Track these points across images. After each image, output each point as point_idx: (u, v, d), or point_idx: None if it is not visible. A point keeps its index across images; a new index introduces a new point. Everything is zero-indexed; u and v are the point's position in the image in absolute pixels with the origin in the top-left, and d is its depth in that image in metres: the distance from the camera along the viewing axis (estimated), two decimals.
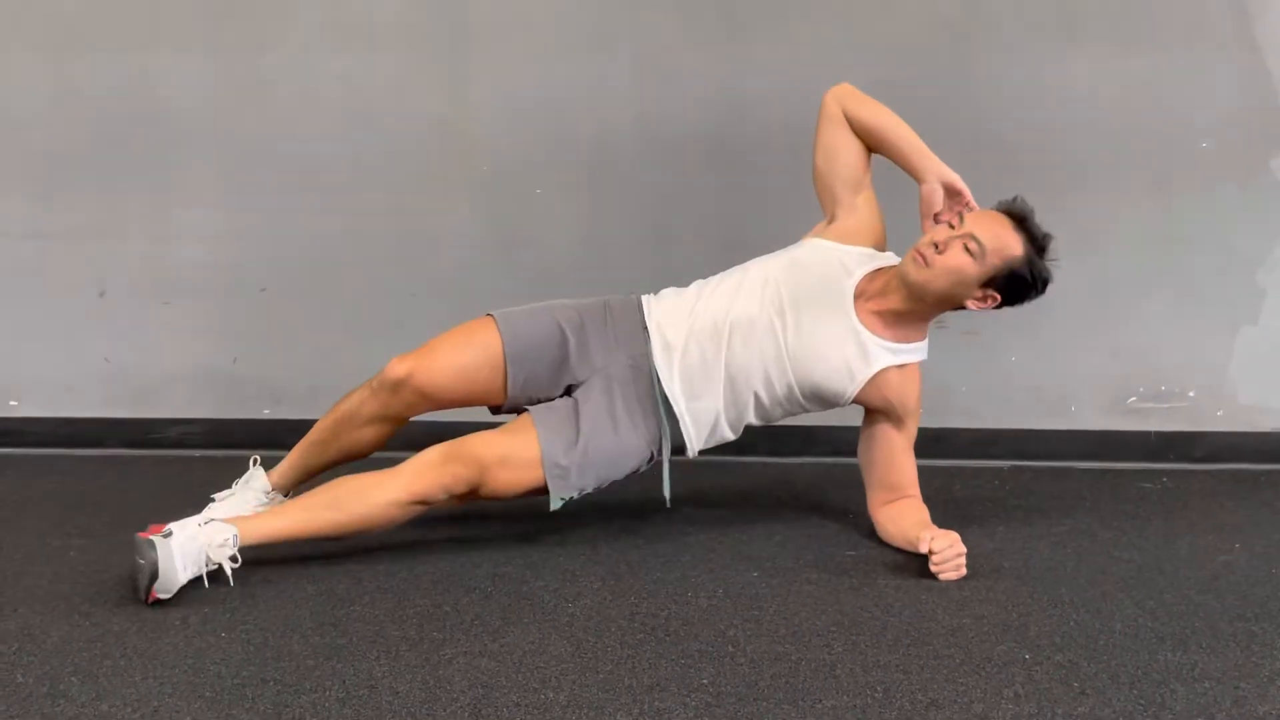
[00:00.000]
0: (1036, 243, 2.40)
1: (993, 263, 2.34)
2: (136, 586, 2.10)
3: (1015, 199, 2.43)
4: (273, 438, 2.97)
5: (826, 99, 2.55)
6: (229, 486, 2.53)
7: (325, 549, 2.42)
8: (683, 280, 2.59)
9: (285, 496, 2.53)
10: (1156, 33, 3.18)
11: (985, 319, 3.22)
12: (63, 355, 3.40)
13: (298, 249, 3.34)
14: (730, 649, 1.93)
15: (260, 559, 2.36)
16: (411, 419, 2.50)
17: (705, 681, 1.81)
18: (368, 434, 2.46)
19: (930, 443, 2.78)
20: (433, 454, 2.32)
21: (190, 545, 2.13)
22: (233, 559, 2.17)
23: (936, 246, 2.34)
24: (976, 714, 1.71)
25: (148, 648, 1.92)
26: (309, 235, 3.34)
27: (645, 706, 1.73)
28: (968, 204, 2.43)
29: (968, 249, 2.33)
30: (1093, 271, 3.25)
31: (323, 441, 2.48)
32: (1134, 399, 3.30)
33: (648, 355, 2.44)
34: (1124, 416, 3.29)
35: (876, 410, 2.50)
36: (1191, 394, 3.29)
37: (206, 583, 2.15)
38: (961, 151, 3.22)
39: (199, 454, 3.29)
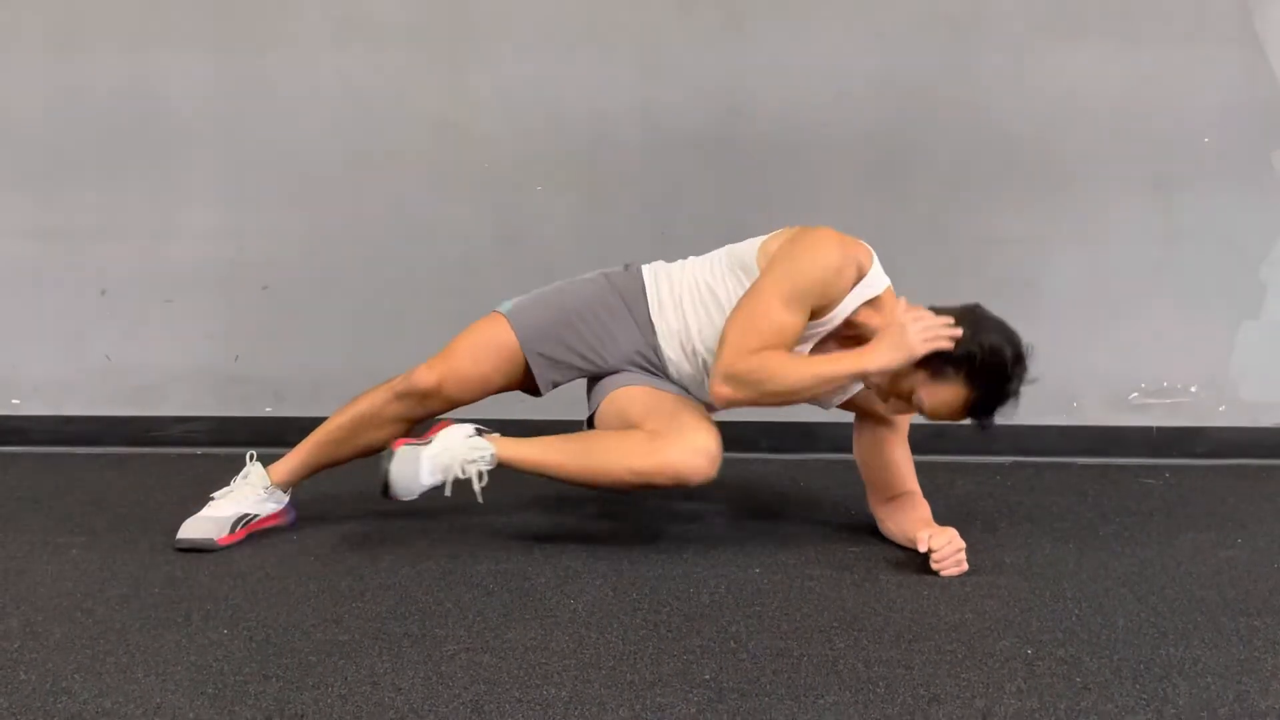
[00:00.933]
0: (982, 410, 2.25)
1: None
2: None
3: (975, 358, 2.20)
4: (275, 435, 2.97)
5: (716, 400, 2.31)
6: (229, 484, 2.52)
7: (325, 544, 2.43)
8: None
9: (286, 493, 2.53)
10: (1158, 28, 3.18)
11: None
12: (64, 354, 3.40)
13: (299, 246, 3.34)
14: (732, 645, 1.93)
15: (260, 559, 2.37)
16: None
17: (707, 677, 1.81)
18: (385, 433, 2.47)
19: (932, 438, 2.78)
20: (682, 440, 2.27)
21: (442, 456, 2.27)
22: (480, 476, 2.28)
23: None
24: (979, 709, 1.71)
25: (150, 645, 1.93)
26: (310, 232, 3.34)
27: (647, 702, 1.73)
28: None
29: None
30: (1094, 267, 3.25)
31: (337, 441, 2.49)
32: (1136, 394, 3.30)
33: (658, 347, 2.47)
34: (1126, 412, 3.29)
35: (865, 413, 2.50)
36: (1193, 389, 3.29)
37: (449, 491, 2.29)
38: (963, 146, 3.25)
39: (201, 452, 3.29)
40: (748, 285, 2.36)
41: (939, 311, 2.25)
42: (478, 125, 3.31)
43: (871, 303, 2.32)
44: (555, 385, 2.51)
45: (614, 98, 3.27)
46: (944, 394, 2.22)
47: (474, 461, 2.29)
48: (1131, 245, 3.25)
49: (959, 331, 2.20)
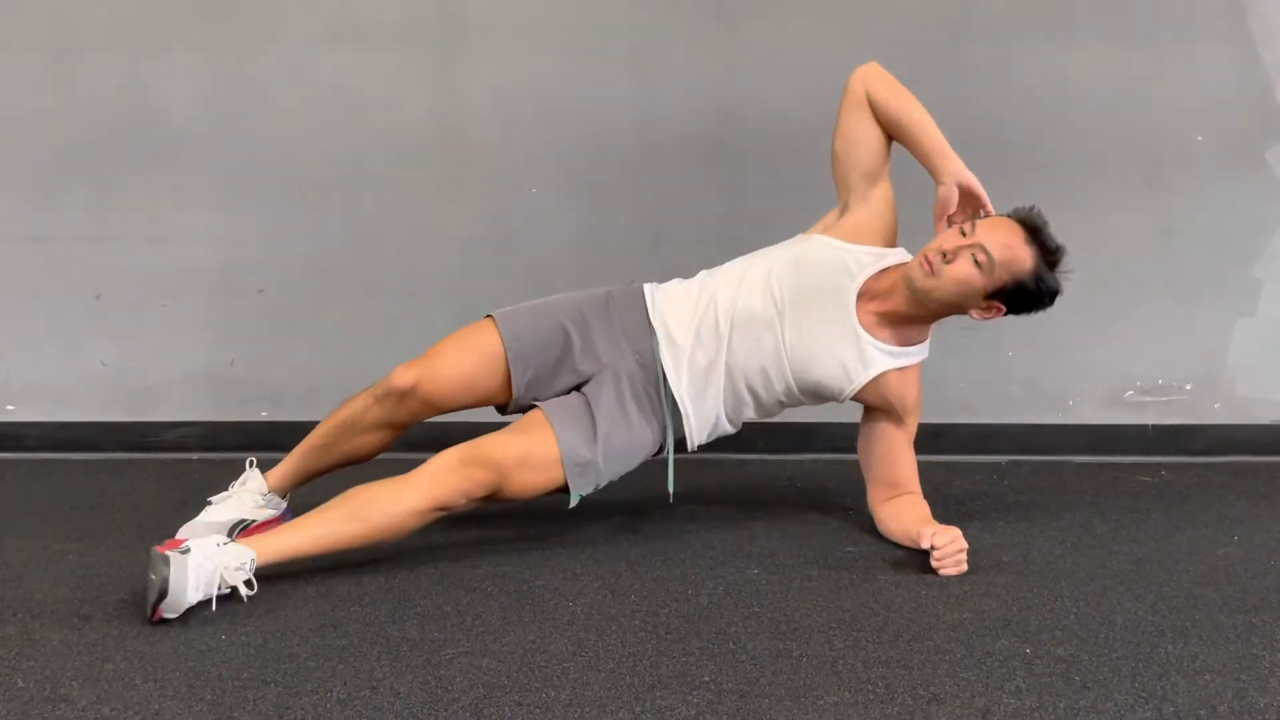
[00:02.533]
0: (1048, 256, 2.36)
1: (1000, 276, 2.32)
2: (145, 601, 2.03)
3: (1032, 208, 2.39)
4: (271, 440, 2.97)
5: (852, 80, 2.48)
6: (227, 490, 2.52)
7: None
8: (682, 277, 2.58)
9: (283, 498, 2.52)
10: (1151, 26, 3.19)
11: None
12: (59, 359, 3.39)
13: (295, 250, 3.34)
14: (731, 646, 1.93)
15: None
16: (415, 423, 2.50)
17: (707, 679, 1.81)
18: (370, 439, 2.45)
19: (929, 438, 2.78)
20: (449, 458, 2.27)
21: (206, 565, 2.03)
22: (248, 583, 2.07)
23: (945, 255, 2.31)
24: (978, 708, 1.71)
25: (148, 651, 1.92)
26: (306, 236, 3.34)
27: (647, 704, 1.73)
28: (984, 209, 2.42)
29: (976, 260, 2.30)
30: (1090, 265, 3.23)
31: (324, 446, 2.47)
32: (1131, 392, 3.31)
33: (654, 352, 2.44)
34: (1122, 410, 3.30)
35: (875, 408, 2.50)
36: (1189, 387, 3.29)
37: (215, 606, 2.05)
38: (958, 147, 3.24)
39: (197, 457, 3.28)
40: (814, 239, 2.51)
41: None
42: (472, 128, 3.30)
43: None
44: (532, 396, 2.44)
45: (609, 100, 3.26)
46: (1004, 233, 2.33)
47: (238, 569, 2.06)
48: (1126, 244, 3.26)
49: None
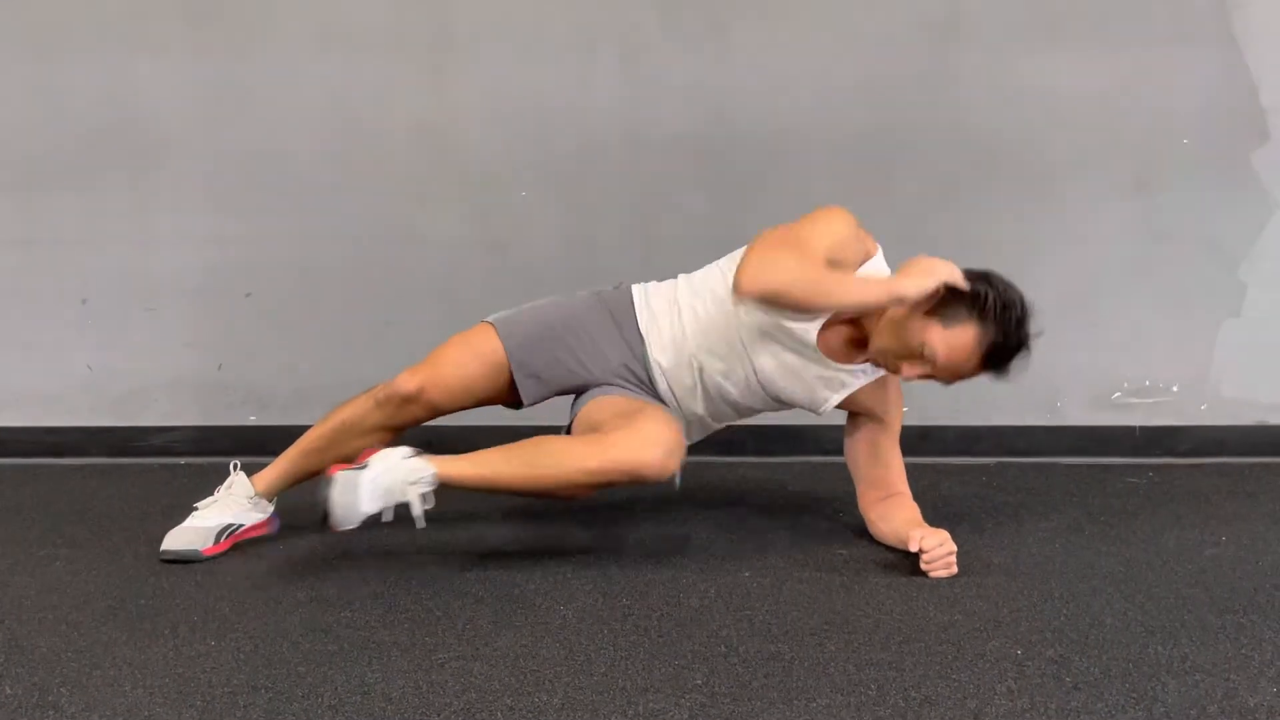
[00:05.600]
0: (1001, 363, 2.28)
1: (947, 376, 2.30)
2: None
3: (997, 297, 2.23)
4: (259, 444, 2.96)
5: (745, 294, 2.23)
6: (213, 495, 2.50)
7: (312, 553, 2.42)
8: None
9: (271, 502, 2.51)
10: (1137, 29, 3.20)
11: None
12: (45, 364, 3.38)
13: (282, 254, 3.33)
14: (723, 649, 1.93)
15: (247, 569, 2.35)
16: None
17: (699, 682, 1.81)
18: (369, 441, 2.45)
19: (917, 440, 2.79)
20: (647, 433, 2.23)
21: (383, 479, 2.14)
22: (424, 498, 2.17)
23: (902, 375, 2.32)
24: (970, 710, 1.72)
25: (137, 657, 1.91)
26: (294, 240, 3.33)
27: (639, 708, 1.72)
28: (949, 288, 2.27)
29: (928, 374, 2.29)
30: (1076, 268, 3.27)
31: (319, 450, 2.47)
32: (1119, 394, 3.32)
33: (645, 360, 2.46)
34: (1109, 412, 3.31)
35: (858, 412, 2.51)
36: (1175, 388, 3.31)
37: (391, 516, 2.17)
38: (944, 150, 3.26)
39: (184, 461, 3.27)
40: None
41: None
42: (461, 132, 3.30)
43: None
44: (538, 399, 2.49)
45: (598, 104, 3.26)
46: (958, 337, 2.21)
47: (414, 484, 2.17)
48: (1113, 246, 3.27)
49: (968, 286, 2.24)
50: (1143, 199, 3.25)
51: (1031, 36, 3.21)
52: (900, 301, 2.20)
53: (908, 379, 2.33)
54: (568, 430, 2.48)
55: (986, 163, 3.25)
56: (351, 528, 2.16)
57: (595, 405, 2.41)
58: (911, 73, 3.23)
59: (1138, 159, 3.24)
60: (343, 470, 2.16)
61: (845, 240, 2.29)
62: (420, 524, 2.19)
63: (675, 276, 2.54)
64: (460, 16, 3.27)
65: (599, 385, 2.46)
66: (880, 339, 2.30)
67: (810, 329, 2.36)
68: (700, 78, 3.25)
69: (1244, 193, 3.23)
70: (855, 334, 2.40)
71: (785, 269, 2.17)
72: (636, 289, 2.52)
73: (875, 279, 2.29)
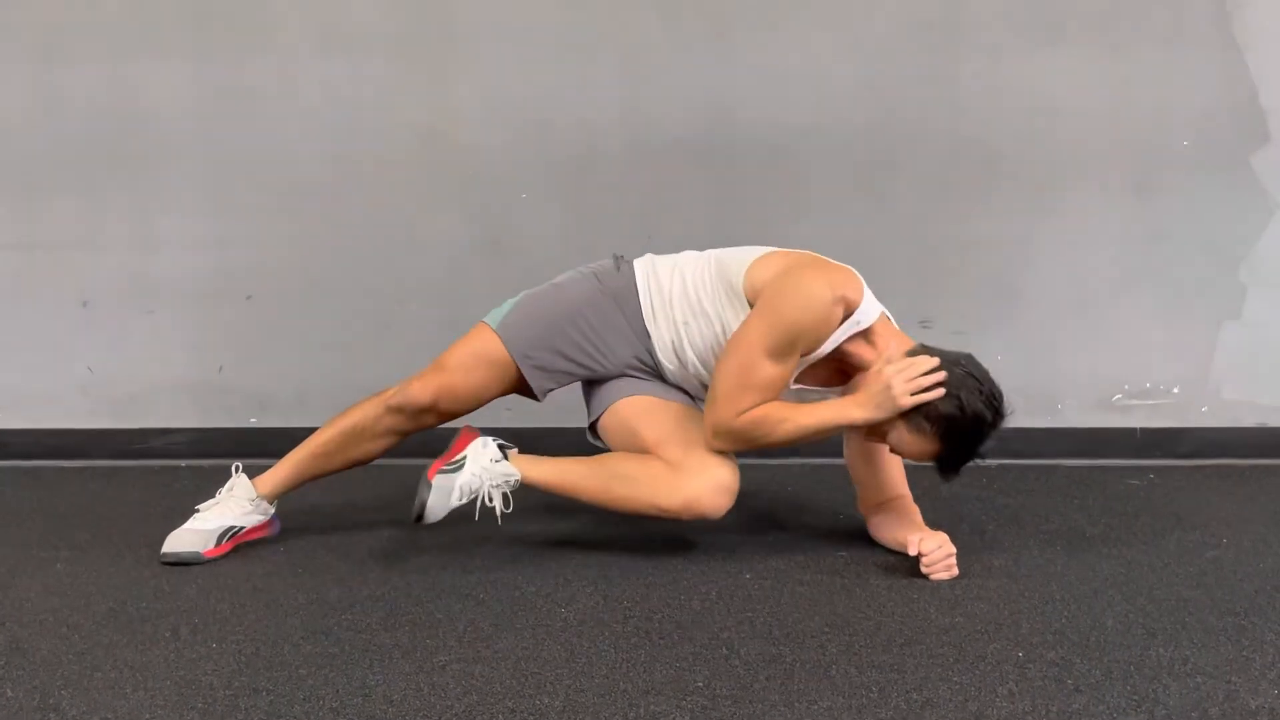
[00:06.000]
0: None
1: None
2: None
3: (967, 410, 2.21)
4: (260, 446, 2.96)
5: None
6: (214, 496, 2.50)
7: (313, 555, 2.41)
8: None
9: (271, 505, 2.51)
10: (1136, 32, 3.20)
11: (973, 319, 3.25)
12: (45, 366, 3.38)
13: (283, 256, 3.33)
14: (724, 651, 1.93)
15: (248, 571, 2.35)
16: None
17: (700, 684, 1.81)
18: (378, 445, 2.49)
19: None
20: (707, 479, 2.32)
21: (473, 482, 2.32)
22: (505, 499, 2.34)
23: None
24: (971, 712, 1.72)
25: (138, 660, 1.91)
26: (294, 242, 3.33)
27: (640, 710, 1.72)
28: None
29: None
30: (1076, 270, 3.27)
31: (326, 453, 2.48)
32: (1119, 396, 3.32)
33: (651, 351, 2.48)
34: (1109, 414, 3.31)
35: None
36: (1176, 390, 3.31)
37: (477, 515, 2.35)
38: (945, 152, 3.26)
39: (185, 464, 3.27)
40: (734, 308, 2.37)
41: (930, 352, 2.25)
42: (462, 133, 3.30)
43: (864, 333, 2.32)
44: (553, 389, 2.52)
45: (599, 105, 3.26)
46: (915, 444, 2.26)
47: (499, 486, 2.34)
48: (1113, 248, 3.27)
49: (942, 391, 2.20)
50: (1142, 201, 3.25)
51: (1031, 37, 3.21)
52: (849, 428, 2.30)
53: (864, 440, 2.39)
54: (591, 430, 2.52)
55: (986, 163, 3.25)
56: (437, 520, 2.33)
57: (630, 411, 2.44)
58: (911, 73, 3.23)
59: (1137, 160, 3.24)
60: (440, 473, 2.31)
61: (820, 320, 2.26)
62: (499, 520, 2.36)
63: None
64: (461, 18, 3.27)
65: (615, 378, 2.48)
66: (859, 399, 2.29)
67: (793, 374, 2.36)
68: (701, 79, 3.25)
69: (1244, 194, 3.23)
70: (839, 371, 2.37)
71: (749, 422, 2.29)
72: (639, 272, 2.49)
73: (831, 407, 2.29)
